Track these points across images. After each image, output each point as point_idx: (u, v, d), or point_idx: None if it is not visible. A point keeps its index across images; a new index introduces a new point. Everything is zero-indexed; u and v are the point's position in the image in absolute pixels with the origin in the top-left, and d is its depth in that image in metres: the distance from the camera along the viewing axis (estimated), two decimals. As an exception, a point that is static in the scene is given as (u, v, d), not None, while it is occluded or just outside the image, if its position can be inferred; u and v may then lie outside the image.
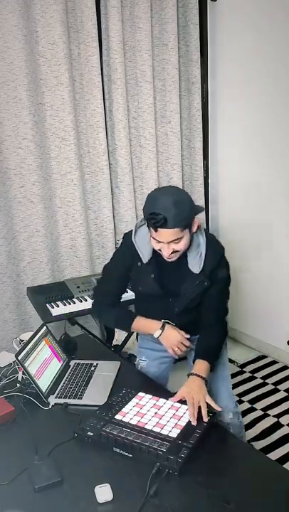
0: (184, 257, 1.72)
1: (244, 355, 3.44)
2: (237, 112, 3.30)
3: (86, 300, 2.65)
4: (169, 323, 1.82)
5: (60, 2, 2.61)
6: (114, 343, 3.12)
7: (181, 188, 3.38)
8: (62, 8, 2.63)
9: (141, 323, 1.86)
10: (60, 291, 2.70)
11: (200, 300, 1.79)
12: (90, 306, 2.59)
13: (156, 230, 1.58)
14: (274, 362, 3.33)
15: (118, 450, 1.41)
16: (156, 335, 1.80)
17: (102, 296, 1.95)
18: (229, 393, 1.89)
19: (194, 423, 1.49)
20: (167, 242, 1.60)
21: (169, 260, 1.68)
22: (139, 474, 1.30)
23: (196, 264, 1.72)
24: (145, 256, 1.74)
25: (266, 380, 3.09)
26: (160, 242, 1.61)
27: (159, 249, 1.66)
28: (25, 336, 1.95)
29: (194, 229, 1.67)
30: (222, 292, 1.82)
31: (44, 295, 2.65)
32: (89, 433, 1.46)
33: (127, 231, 1.84)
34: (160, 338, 1.80)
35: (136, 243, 1.75)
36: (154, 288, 1.78)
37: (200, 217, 1.73)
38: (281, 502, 1.24)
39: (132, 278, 1.86)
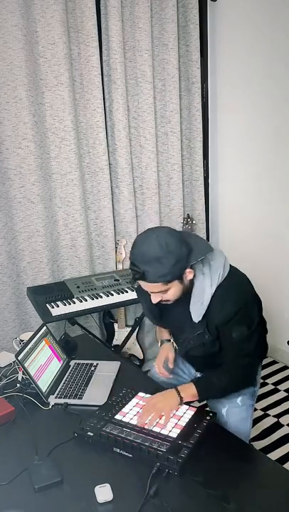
0: (187, 297, 1.55)
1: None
2: (237, 112, 3.30)
3: (86, 300, 2.65)
4: (166, 340, 1.87)
5: (60, 2, 2.61)
6: (114, 343, 3.12)
7: (182, 188, 3.38)
8: (62, 8, 2.63)
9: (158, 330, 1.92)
10: (60, 291, 2.70)
11: (204, 351, 1.63)
12: (93, 303, 2.62)
13: (134, 280, 1.47)
14: (274, 362, 3.33)
15: (118, 450, 1.41)
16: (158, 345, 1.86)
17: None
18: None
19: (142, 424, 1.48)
20: (152, 292, 1.49)
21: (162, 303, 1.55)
22: (139, 474, 1.30)
23: (196, 311, 1.54)
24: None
25: (266, 380, 3.09)
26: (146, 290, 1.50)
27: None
28: (25, 336, 1.95)
29: (189, 277, 1.49)
30: (240, 349, 1.57)
31: (44, 295, 2.65)
32: (89, 433, 1.46)
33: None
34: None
35: None
36: (150, 317, 1.72)
37: (215, 257, 1.54)
38: (281, 502, 1.24)
39: (141, 300, 1.77)
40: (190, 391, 1.58)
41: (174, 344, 1.84)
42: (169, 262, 1.41)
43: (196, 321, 1.54)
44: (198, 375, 1.86)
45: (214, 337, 1.57)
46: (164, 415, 1.50)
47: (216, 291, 1.52)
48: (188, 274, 1.49)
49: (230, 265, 1.61)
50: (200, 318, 1.53)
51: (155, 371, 1.93)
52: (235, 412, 1.72)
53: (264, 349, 1.75)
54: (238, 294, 1.56)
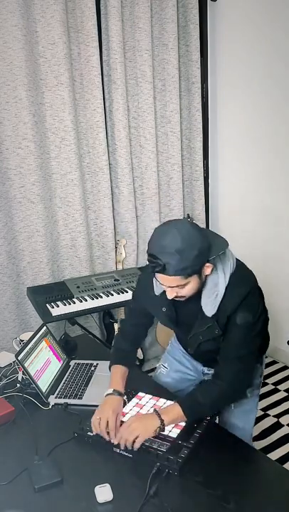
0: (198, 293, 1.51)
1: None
2: (237, 112, 3.30)
3: (86, 300, 2.65)
4: (117, 392, 1.61)
5: (60, 2, 2.61)
6: (114, 343, 3.11)
7: (182, 188, 3.38)
8: (62, 8, 2.63)
9: (112, 373, 1.72)
10: (60, 291, 2.70)
11: (215, 347, 1.56)
12: (93, 303, 2.62)
13: (154, 274, 1.43)
14: (274, 362, 3.33)
15: (118, 450, 1.41)
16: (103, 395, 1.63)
17: (124, 327, 1.83)
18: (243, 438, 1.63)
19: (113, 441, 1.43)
20: (169, 287, 1.44)
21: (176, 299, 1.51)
22: (139, 474, 1.30)
23: (209, 305, 1.49)
24: (158, 288, 1.56)
25: (266, 380, 3.09)
26: (162, 284, 1.45)
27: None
28: (25, 336, 1.95)
29: (207, 272, 1.45)
30: (243, 340, 1.50)
31: (44, 295, 2.65)
32: (89, 433, 1.46)
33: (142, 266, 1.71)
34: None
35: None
36: (167, 322, 1.65)
37: (226, 254, 1.52)
38: (281, 502, 1.24)
39: (147, 307, 1.70)
40: (174, 412, 1.48)
41: (125, 400, 1.65)
42: (191, 255, 1.36)
43: (210, 315, 1.49)
44: (207, 370, 1.79)
45: (224, 330, 1.52)
46: (138, 439, 1.40)
47: (228, 283, 1.49)
48: (207, 269, 1.45)
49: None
50: (214, 312, 1.48)
51: (160, 372, 1.93)
52: (244, 403, 1.70)
53: (266, 341, 1.72)
54: (245, 278, 1.55)
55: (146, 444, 1.39)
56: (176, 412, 1.48)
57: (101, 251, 3.17)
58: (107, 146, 3.01)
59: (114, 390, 1.61)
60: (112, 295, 2.73)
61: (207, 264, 1.44)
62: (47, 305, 2.57)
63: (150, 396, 1.65)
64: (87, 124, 2.95)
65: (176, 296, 1.47)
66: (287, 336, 3.22)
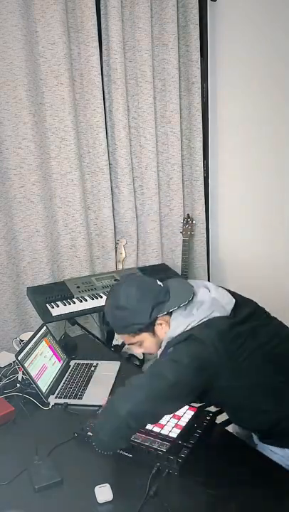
0: None
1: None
2: (237, 112, 3.30)
3: (86, 300, 2.65)
4: None
5: (60, 2, 2.61)
6: (114, 343, 3.11)
7: (182, 188, 3.38)
8: (62, 8, 2.63)
9: None
10: (60, 291, 2.70)
11: None
12: (93, 303, 2.61)
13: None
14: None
15: (118, 450, 1.41)
16: None
17: None
18: None
19: None
20: (127, 344, 1.48)
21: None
22: (139, 474, 1.30)
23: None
24: None
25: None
26: None
27: None
28: (25, 336, 1.96)
29: (162, 329, 1.39)
30: (142, 380, 1.34)
31: (44, 295, 2.65)
32: (89, 433, 1.46)
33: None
34: None
35: None
36: None
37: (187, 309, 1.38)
38: (281, 502, 1.24)
39: None
40: None
41: None
42: (125, 315, 1.38)
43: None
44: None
45: None
46: None
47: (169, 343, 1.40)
48: (162, 326, 1.41)
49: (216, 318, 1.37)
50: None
51: None
52: None
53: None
54: (192, 332, 1.36)
55: (146, 444, 1.39)
56: None
57: (101, 251, 3.17)
58: (107, 146, 3.01)
59: None
60: (112, 295, 2.72)
61: (159, 322, 1.40)
62: (47, 305, 2.57)
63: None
64: (87, 124, 2.95)
65: (145, 352, 1.49)
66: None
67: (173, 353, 1.35)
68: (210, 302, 1.39)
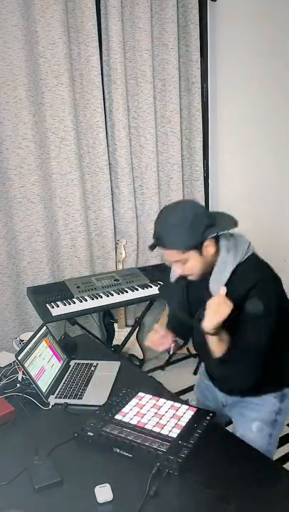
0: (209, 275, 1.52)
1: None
2: (237, 112, 3.30)
3: (86, 300, 2.65)
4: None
5: (60, 2, 2.61)
6: (114, 343, 3.12)
7: (182, 188, 3.38)
8: (62, 8, 2.63)
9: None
10: (60, 291, 2.70)
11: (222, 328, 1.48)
12: (93, 303, 2.62)
13: (154, 248, 1.50)
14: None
15: (118, 450, 1.41)
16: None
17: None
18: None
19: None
20: (171, 262, 1.50)
21: (191, 279, 1.53)
22: (139, 474, 1.30)
23: (215, 285, 1.50)
24: (173, 276, 1.62)
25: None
26: (166, 259, 1.50)
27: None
28: (25, 336, 1.95)
29: (209, 251, 1.47)
30: (250, 330, 1.46)
31: (44, 295, 2.65)
32: (89, 433, 1.46)
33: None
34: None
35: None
36: (179, 310, 1.65)
37: (237, 238, 1.55)
38: (281, 502, 1.24)
39: (166, 297, 1.75)
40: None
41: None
42: (184, 229, 1.43)
43: (214, 294, 1.47)
44: (223, 399, 1.71)
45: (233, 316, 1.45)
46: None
47: (237, 267, 1.50)
48: (209, 248, 1.48)
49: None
50: (221, 284, 1.48)
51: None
52: (248, 438, 1.60)
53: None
54: (259, 270, 1.56)
55: (146, 444, 1.39)
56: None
57: (101, 251, 3.17)
58: (107, 146, 3.02)
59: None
60: (112, 295, 2.73)
61: (208, 243, 1.47)
62: (47, 305, 2.57)
63: (150, 396, 1.65)
64: (87, 124, 2.95)
65: (184, 275, 1.51)
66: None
67: (262, 291, 1.48)
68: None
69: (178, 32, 3.17)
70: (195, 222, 1.44)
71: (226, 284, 1.48)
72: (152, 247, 1.50)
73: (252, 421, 1.62)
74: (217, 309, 1.42)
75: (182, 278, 1.57)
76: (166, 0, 3.06)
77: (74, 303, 2.61)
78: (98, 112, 2.91)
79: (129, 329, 3.12)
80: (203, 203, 3.54)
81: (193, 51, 3.26)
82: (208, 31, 3.32)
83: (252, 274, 1.51)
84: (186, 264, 1.48)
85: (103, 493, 1.25)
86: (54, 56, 2.68)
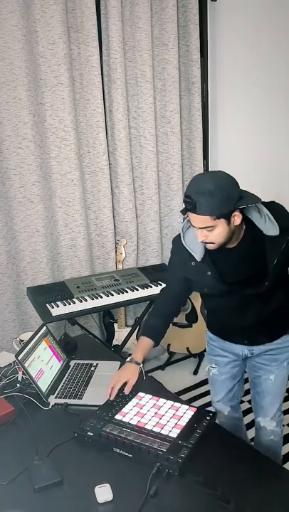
0: (243, 242, 1.62)
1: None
2: (237, 112, 3.30)
3: (86, 300, 2.65)
4: (134, 361, 1.76)
5: (60, 2, 2.61)
6: (114, 343, 3.12)
7: (182, 188, 3.38)
8: (62, 8, 2.63)
9: (138, 344, 1.84)
10: (60, 291, 2.70)
11: (272, 281, 1.65)
12: (93, 303, 2.62)
13: (186, 212, 1.53)
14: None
15: (118, 450, 1.41)
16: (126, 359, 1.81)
17: (157, 304, 1.91)
18: (277, 401, 1.90)
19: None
20: (199, 228, 1.53)
21: (209, 248, 1.61)
22: (139, 474, 1.30)
23: (271, 228, 1.59)
24: (198, 254, 1.65)
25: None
26: (193, 225, 1.55)
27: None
28: (25, 336, 1.96)
29: (236, 221, 1.54)
30: None
31: (44, 295, 2.65)
32: (89, 433, 1.46)
33: (174, 235, 1.77)
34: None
35: (186, 244, 1.67)
36: (215, 286, 1.68)
37: (259, 207, 1.63)
38: (281, 502, 1.24)
39: (191, 281, 1.75)
40: (139, 346, 1.80)
41: (142, 368, 1.77)
42: (220, 197, 1.47)
43: (277, 234, 1.58)
44: (246, 351, 1.86)
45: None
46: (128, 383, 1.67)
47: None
48: (236, 218, 1.53)
49: None
50: (278, 228, 1.58)
51: (213, 374, 1.99)
52: (282, 374, 1.85)
53: None
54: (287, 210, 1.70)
55: (147, 444, 1.39)
56: (141, 345, 1.76)
57: (101, 251, 3.17)
58: (107, 146, 3.01)
59: (131, 359, 1.77)
60: (112, 295, 2.73)
61: (237, 213, 1.52)
62: (47, 305, 2.57)
63: (150, 396, 1.66)
64: (87, 124, 2.95)
65: (206, 242, 1.56)
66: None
67: None
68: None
69: (178, 32, 3.17)
70: (229, 191, 1.50)
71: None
72: (184, 211, 1.53)
73: (282, 361, 1.83)
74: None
75: (206, 256, 1.64)
76: (166, 0, 3.05)
77: (74, 303, 2.61)
78: (98, 111, 2.91)
79: (129, 329, 3.12)
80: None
81: (193, 51, 3.26)
82: (208, 31, 3.32)
83: (277, 207, 1.67)
84: (212, 232, 1.53)
85: (103, 493, 1.25)
86: (54, 56, 2.68)
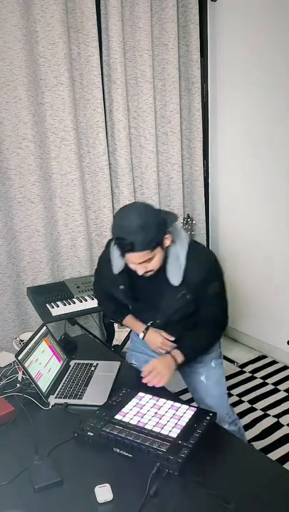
0: (162, 268, 1.63)
1: (244, 355, 3.44)
2: (237, 112, 3.30)
3: (86, 300, 2.65)
4: (153, 324, 1.83)
5: (60, 2, 2.61)
6: (114, 343, 3.11)
7: (182, 188, 3.39)
8: (62, 8, 2.63)
9: (129, 322, 1.91)
10: (60, 291, 2.70)
11: (184, 312, 1.71)
12: (93, 303, 2.62)
13: (124, 255, 1.53)
14: (274, 362, 3.32)
15: (118, 450, 1.41)
16: (140, 337, 1.86)
17: (99, 290, 1.99)
18: (222, 404, 1.90)
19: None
20: (138, 264, 1.56)
21: (146, 276, 1.62)
22: (139, 474, 1.30)
23: (175, 276, 1.63)
24: (116, 267, 1.70)
25: (266, 380, 3.09)
26: (131, 263, 1.57)
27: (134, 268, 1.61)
28: (25, 336, 1.95)
29: (167, 244, 1.59)
30: (217, 302, 1.75)
31: (44, 295, 2.65)
32: (89, 433, 1.46)
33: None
34: (144, 340, 1.85)
35: (111, 253, 1.73)
36: (125, 299, 1.78)
37: (178, 228, 1.67)
38: (281, 502, 1.24)
39: (107, 285, 1.82)
40: (180, 356, 1.73)
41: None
42: (152, 228, 1.49)
43: (177, 284, 1.63)
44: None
45: (194, 296, 1.66)
46: (164, 378, 1.67)
47: (187, 253, 1.63)
48: (166, 241, 1.58)
49: None
50: (180, 280, 1.62)
51: (129, 357, 2.05)
52: (213, 374, 1.89)
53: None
54: (207, 252, 1.77)
55: (147, 444, 1.39)
56: (181, 356, 1.73)
57: (101, 251, 3.16)
58: (107, 146, 3.02)
59: (146, 328, 1.84)
60: (112, 295, 2.72)
61: (166, 236, 1.57)
62: (47, 305, 2.57)
63: (150, 396, 1.65)
64: (87, 124, 2.95)
65: (145, 272, 1.58)
66: (287, 336, 3.22)
67: (214, 271, 1.70)
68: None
69: (178, 32, 3.17)
70: (156, 219, 1.53)
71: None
72: (123, 255, 1.53)
73: (208, 361, 1.88)
74: (163, 372, 1.66)
75: (124, 271, 1.68)
76: (166, 0, 3.06)
77: (74, 303, 2.61)
78: (98, 112, 2.91)
79: (129, 329, 3.11)
80: (203, 203, 3.54)
81: (193, 51, 3.26)
82: (208, 31, 3.32)
83: (202, 263, 1.66)
84: (150, 262, 1.56)
85: (103, 493, 1.25)
86: (54, 56, 2.68)
